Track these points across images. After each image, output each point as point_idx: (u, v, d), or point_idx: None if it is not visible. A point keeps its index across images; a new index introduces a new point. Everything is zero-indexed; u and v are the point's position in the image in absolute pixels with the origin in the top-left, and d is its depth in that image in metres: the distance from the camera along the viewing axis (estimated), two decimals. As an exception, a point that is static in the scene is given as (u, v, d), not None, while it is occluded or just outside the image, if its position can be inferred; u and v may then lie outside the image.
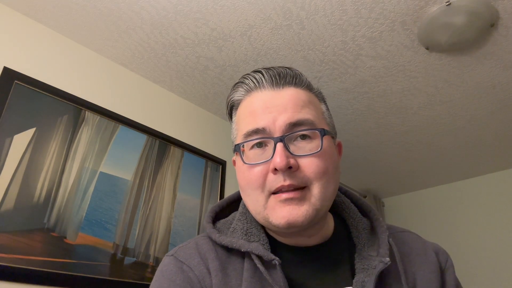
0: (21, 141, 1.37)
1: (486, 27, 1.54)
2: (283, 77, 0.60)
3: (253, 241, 0.58)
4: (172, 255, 0.60)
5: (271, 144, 0.56)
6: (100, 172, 1.56)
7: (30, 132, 1.40)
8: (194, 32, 1.61)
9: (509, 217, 2.61)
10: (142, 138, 1.77)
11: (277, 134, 0.56)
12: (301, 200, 0.54)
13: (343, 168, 2.77)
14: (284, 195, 0.54)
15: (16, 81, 1.41)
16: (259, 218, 0.58)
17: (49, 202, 1.38)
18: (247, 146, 0.58)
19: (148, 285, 1.52)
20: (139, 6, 1.49)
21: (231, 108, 0.66)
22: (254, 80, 0.61)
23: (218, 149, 2.12)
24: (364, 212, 0.67)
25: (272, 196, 0.56)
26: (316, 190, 0.55)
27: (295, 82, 0.61)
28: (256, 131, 0.57)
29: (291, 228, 0.55)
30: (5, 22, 1.47)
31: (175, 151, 1.89)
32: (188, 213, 1.84)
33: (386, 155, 2.62)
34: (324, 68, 1.81)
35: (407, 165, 2.76)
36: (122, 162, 1.65)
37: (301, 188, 0.55)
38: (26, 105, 1.42)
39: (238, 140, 0.61)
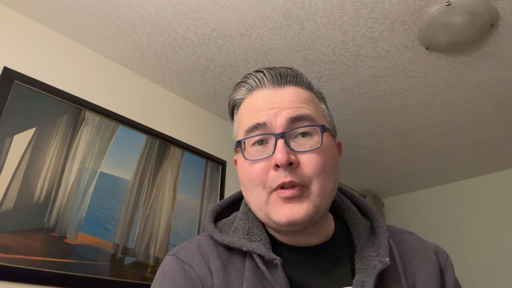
0: (21, 141, 1.37)
1: (486, 27, 1.54)
2: (284, 76, 0.61)
3: (254, 241, 0.58)
4: (173, 254, 0.60)
5: (272, 141, 0.57)
6: (100, 172, 1.56)
7: (30, 132, 1.40)
8: (194, 32, 1.61)
9: (509, 217, 2.61)
10: (142, 138, 1.77)
11: (278, 130, 0.57)
12: (301, 198, 0.55)
13: (343, 168, 2.77)
14: (285, 194, 0.55)
15: (16, 81, 1.41)
16: (260, 214, 0.59)
17: (49, 202, 1.38)
18: (248, 143, 0.59)
19: (148, 285, 1.52)
20: (139, 6, 1.49)
21: (233, 108, 0.67)
22: (255, 79, 0.62)
23: (218, 149, 2.12)
24: (364, 212, 0.67)
25: (274, 193, 0.56)
26: (315, 187, 0.56)
27: (296, 81, 0.62)
28: (257, 126, 0.58)
29: (292, 225, 0.56)
30: (5, 22, 1.47)
31: (175, 151, 1.89)
32: (188, 213, 1.84)
33: (386, 155, 2.63)
34: (324, 68, 1.81)
35: (407, 165, 2.76)
36: (122, 162, 1.65)
37: (301, 186, 0.55)
38: (26, 105, 1.42)
39: (240, 137, 0.61)
